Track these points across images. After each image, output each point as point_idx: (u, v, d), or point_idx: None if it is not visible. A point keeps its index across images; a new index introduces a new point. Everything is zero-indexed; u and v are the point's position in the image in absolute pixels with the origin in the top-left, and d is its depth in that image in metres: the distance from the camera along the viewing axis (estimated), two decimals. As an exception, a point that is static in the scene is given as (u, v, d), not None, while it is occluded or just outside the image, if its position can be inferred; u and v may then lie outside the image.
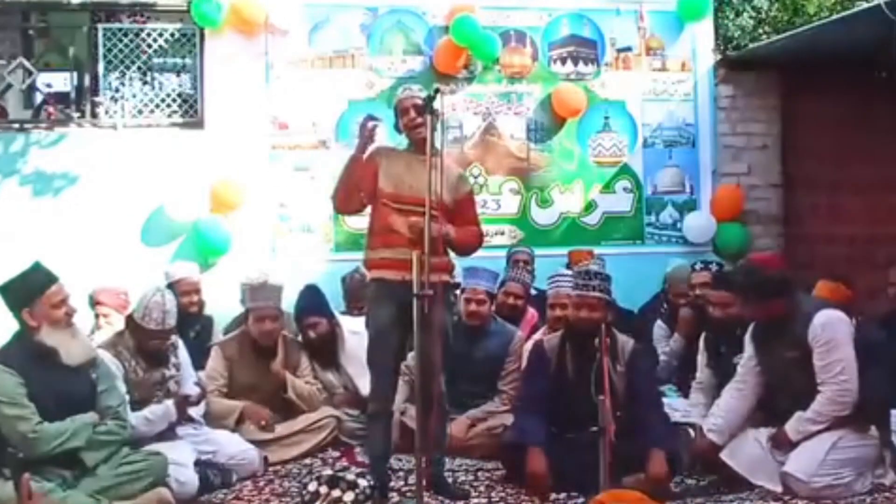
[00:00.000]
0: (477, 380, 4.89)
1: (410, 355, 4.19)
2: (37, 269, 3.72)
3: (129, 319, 4.32)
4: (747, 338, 4.32)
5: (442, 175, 3.67)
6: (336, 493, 3.51)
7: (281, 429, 4.77)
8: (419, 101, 3.93)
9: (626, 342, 4.30)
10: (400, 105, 4.06)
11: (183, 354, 4.51)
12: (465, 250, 4.17)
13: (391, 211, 3.95)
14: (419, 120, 3.94)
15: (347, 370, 5.11)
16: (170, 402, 4.23)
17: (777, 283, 4.17)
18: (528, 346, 4.73)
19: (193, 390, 4.43)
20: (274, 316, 4.85)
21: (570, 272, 4.81)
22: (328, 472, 3.86)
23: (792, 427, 4.04)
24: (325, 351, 5.13)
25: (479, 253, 6.42)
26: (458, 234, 4.02)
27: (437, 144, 3.73)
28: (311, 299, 5.18)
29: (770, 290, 4.12)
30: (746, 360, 4.28)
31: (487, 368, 4.92)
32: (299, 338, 5.15)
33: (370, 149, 4.06)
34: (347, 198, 4.07)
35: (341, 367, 5.15)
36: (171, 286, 5.36)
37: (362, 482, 3.58)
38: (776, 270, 4.29)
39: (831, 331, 3.98)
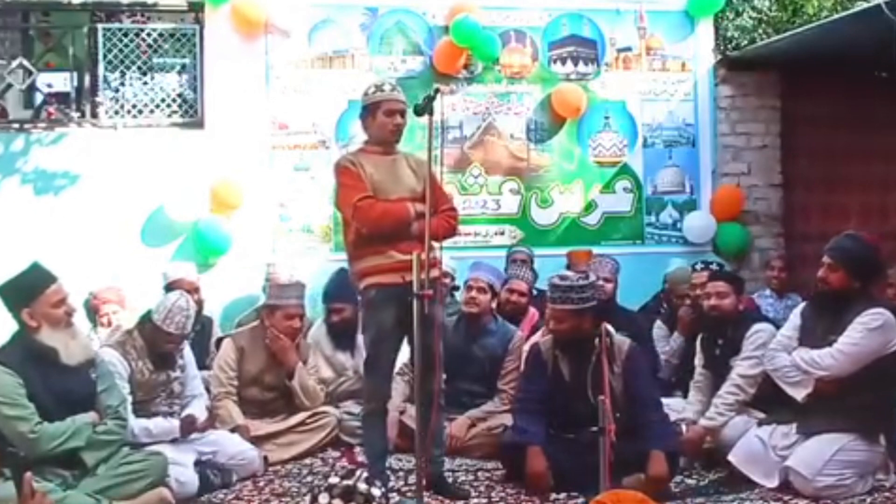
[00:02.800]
0: (476, 379, 4.90)
1: (407, 354, 4.20)
2: (36, 268, 3.72)
3: (146, 320, 4.31)
4: (796, 312, 4.30)
5: (429, 173, 3.74)
6: None
7: (281, 425, 4.80)
8: (403, 106, 3.98)
9: (622, 342, 4.29)
10: (387, 105, 3.97)
11: (188, 355, 4.53)
12: (449, 228, 4.06)
13: None
14: (403, 123, 3.99)
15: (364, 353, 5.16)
16: (175, 423, 4.23)
17: (882, 266, 4.16)
18: (527, 346, 4.73)
19: (202, 413, 4.45)
20: (302, 314, 4.96)
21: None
22: (335, 479, 3.78)
23: (798, 353, 4.08)
24: (345, 334, 5.26)
25: (479, 253, 6.56)
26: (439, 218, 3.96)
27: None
28: (339, 285, 5.23)
29: (875, 272, 4.11)
30: (789, 329, 4.25)
31: (487, 368, 4.92)
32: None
33: (338, 165, 4.01)
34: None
35: (356, 349, 5.20)
36: (170, 287, 5.38)
37: (376, 491, 3.53)
38: (880, 254, 4.22)
39: (878, 324, 3.95)
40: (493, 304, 5.05)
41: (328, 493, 3.52)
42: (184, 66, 6.75)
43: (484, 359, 4.91)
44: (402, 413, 4.78)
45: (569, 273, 4.54)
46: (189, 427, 4.25)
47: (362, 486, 3.54)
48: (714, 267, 5.44)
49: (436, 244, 3.75)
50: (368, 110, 4.02)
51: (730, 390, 4.40)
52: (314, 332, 5.47)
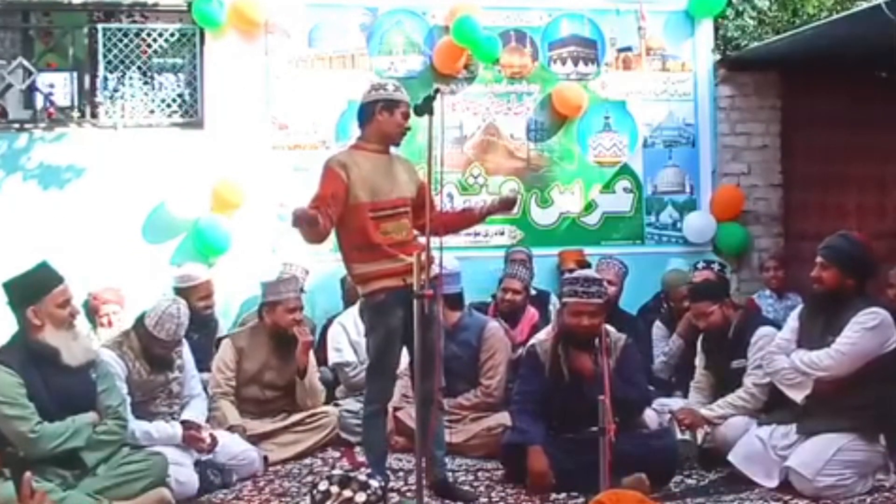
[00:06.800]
0: (459, 375, 4.90)
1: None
2: (44, 268, 3.73)
3: (140, 324, 4.31)
4: (794, 315, 4.32)
5: (428, 173, 3.74)
6: (347, 493, 3.52)
7: (279, 425, 4.81)
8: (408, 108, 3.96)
9: (618, 338, 4.33)
10: (404, 106, 3.97)
11: (187, 355, 4.51)
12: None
13: (371, 221, 3.91)
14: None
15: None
16: (178, 428, 4.23)
17: (874, 266, 4.18)
18: (527, 347, 4.73)
19: (203, 414, 4.46)
20: (301, 306, 5.04)
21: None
22: (338, 472, 3.88)
23: (797, 355, 4.08)
24: None
25: (479, 253, 6.56)
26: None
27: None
28: None
29: (868, 270, 4.13)
30: (787, 332, 4.26)
31: (465, 361, 4.92)
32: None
33: (326, 165, 3.99)
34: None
35: None
36: (186, 290, 5.36)
37: (374, 483, 3.60)
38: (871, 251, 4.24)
39: (874, 324, 3.96)
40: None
41: (328, 481, 3.60)
42: (184, 66, 6.74)
43: (461, 354, 4.92)
44: (397, 410, 4.77)
45: (582, 271, 4.58)
46: (193, 442, 4.24)
47: (361, 477, 3.61)
48: (716, 266, 5.47)
49: (435, 244, 3.75)
50: (383, 106, 3.97)
51: (742, 395, 4.42)
52: (344, 316, 5.57)
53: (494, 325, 5.06)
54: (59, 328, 3.67)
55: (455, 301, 4.97)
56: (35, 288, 3.66)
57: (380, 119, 3.98)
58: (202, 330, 5.36)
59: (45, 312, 3.64)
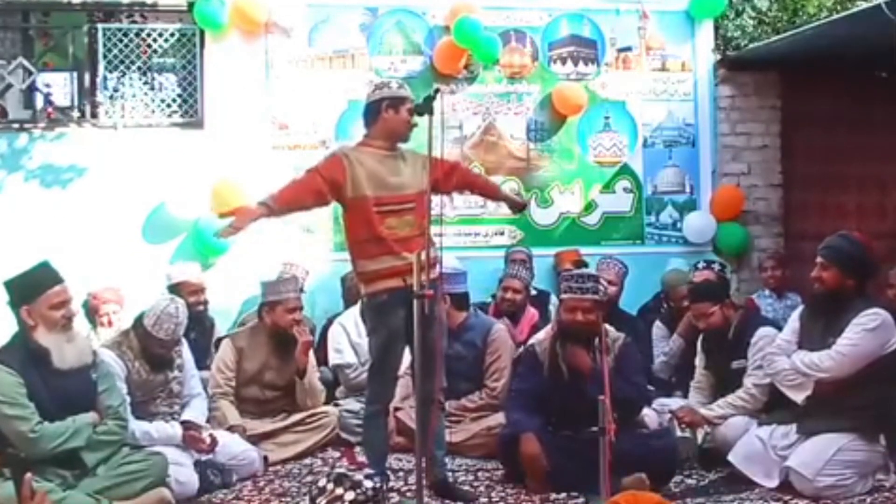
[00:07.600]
0: (464, 376, 4.89)
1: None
2: (43, 267, 3.72)
3: (139, 324, 4.31)
4: (795, 316, 4.31)
5: (429, 174, 3.71)
6: (339, 490, 3.54)
7: (279, 425, 4.82)
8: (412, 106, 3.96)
9: (616, 337, 4.34)
10: (409, 104, 3.96)
11: (186, 355, 4.52)
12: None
13: (375, 216, 3.89)
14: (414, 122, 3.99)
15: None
16: (178, 429, 4.23)
17: (874, 266, 4.19)
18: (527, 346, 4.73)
19: (203, 414, 4.46)
20: (301, 306, 5.06)
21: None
22: (340, 470, 3.89)
23: (798, 356, 4.08)
24: None
25: (479, 253, 6.57)
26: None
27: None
28: None
29: (868, 270, 4.13)
30: (788, 333, 4.27)
31: (471, 362, 4.92)
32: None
33: (332, 152, 3.99)
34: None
35: None
36: (175, 287, 5.38)
37: (367, 483, 3.60)
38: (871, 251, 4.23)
39: (875, 325, 3.96)
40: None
41: (326, 478, 3.62)
42: (184, 66, 6.74)
43: (466, 355, 4.92)
44: (398, 410, 4.77)
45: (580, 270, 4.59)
46: (193, 442, 4.24)
47: (356, 476, 3.62)
48: (716, 266, 5.47)
49: (436, 243, 3.75)
50: (389, 104, 3.97)
51: (742, 396, 4.42)
52: (344, 316, 5.57)
53: (500, 327, 5.06)
54: (51, 330, 3.64)
55: (461, 301, 4.97)
56: (30, 288, 3.65)
57: (385, 117, 3.98)
58: (196, 328, 5.35)
59: (38, 313, 3.63)
